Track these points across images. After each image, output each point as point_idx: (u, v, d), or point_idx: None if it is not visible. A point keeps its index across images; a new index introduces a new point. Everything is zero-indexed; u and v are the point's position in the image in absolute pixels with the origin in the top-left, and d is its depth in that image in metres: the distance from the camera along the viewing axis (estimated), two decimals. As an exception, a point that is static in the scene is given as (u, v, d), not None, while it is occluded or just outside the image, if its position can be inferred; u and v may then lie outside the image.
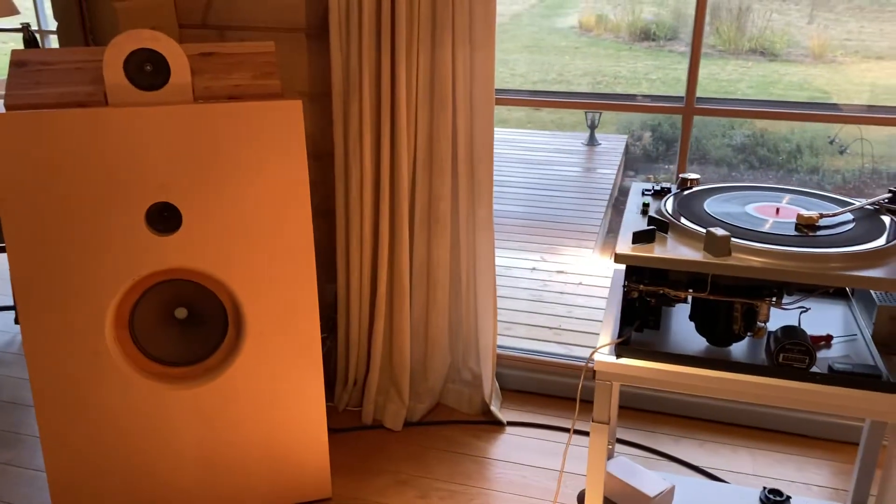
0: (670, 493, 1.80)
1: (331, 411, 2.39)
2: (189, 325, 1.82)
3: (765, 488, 1.84)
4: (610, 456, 1.91)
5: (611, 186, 5.31)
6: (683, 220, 1.42)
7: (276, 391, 1.87)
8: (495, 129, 2.12)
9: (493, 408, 2.34)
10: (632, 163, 6.17)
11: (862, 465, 1.80)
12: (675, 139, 6.41)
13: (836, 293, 1.66)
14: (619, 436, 2.28)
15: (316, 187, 2.28)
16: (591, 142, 6.18)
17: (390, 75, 2.01)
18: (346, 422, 2.35)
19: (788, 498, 1.82)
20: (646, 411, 2.40)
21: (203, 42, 2.11)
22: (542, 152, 6.18)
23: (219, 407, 1.85)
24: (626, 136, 6.47)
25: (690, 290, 1.38)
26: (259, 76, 1.75)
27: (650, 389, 2.38)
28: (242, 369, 1.84)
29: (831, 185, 5.56)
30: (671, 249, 1.35)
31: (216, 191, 1.71)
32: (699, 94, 2.13)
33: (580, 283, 3.68)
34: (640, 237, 1.37)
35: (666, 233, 1.41)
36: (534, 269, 3.86)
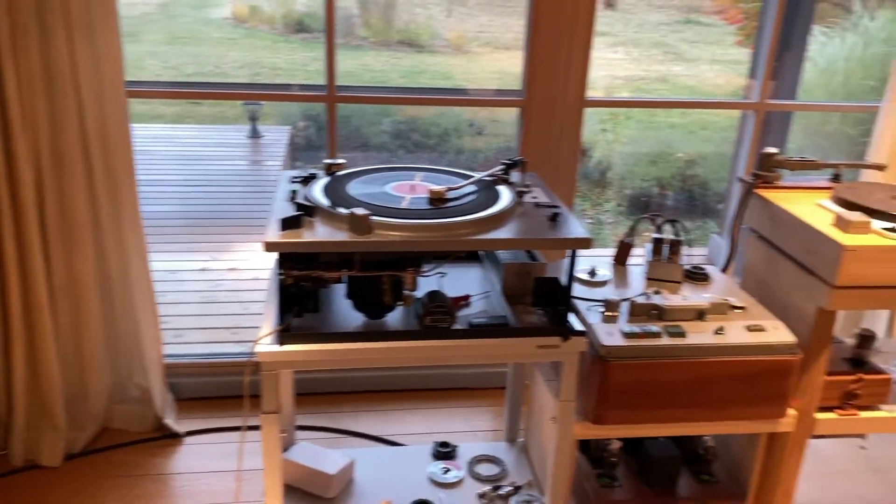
0: (350, 467, 1.87)
1: (-32, 462, 2.05)
2: None
3: (435, 442, 2.01)
4: (290, 444, 1.92)
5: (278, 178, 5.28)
6: (328, 204, 1.47)
7: None
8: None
9: (168, 421, 2.21)
10: (298, 153, 6.23)
11: (510, 405, 2.05)
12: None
13: (470, 257, 1.86)
14: (300, 422, 2.30)
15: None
16: (254, 134, 6.09)
17: (-6, 67, 1.75)
18: (-11, 470, 2.03)
19: (456, 447, 2.01)
20: (327, 394, 2.46)
21: None
22: (202, 147, 5.93)
23: None
24: (288, 127, 6.49)
25: (342, 270, 1.43)
26: None
27: (328, 372, 2.43)
28: None
29: (477, 164, 6.21)
30: (319, 233, 1.39)
31: None
32: (353, 82, 2.22)
33: (255, 279, 3.63)
34: (287, 223, 1.38)
35: (313, 217, 1.44)
36: (203, 269, 3.71)
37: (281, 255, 1.39)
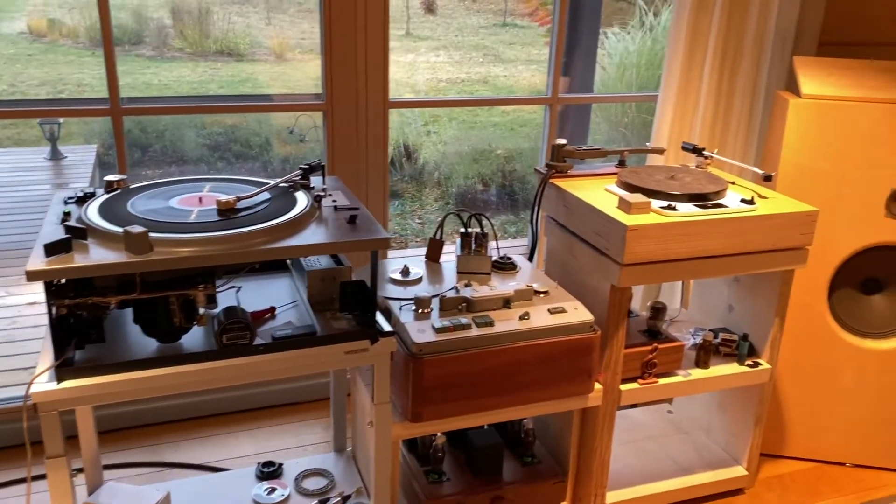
0: (166, 500, 1.75)
1: None
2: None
3: (259, 463, 1.93)
4: (97, 486, 1.77)
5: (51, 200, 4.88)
6: (102, 223, 1.36)
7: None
8: None
9: (-46, 479, 1.97)
10: (107, 172, 5.81)
11: (336, 415, 2.02)
12: (148, 144, 6.24)
13: (279, 267, 1.80)
14: (114, 461, 2.13)
15: None
16: (55, 156, 5.61)
17: None
18: None
19: (280, 465, 1.94)
20: (144, 426, 2.29)
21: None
22: (-3, 173, 5.41)
23: None
24: (94, 146, 6.05)
25: (121, 295, 1.33)
26: None
27: (142, 403, 2.27)
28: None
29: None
30: (92, 255, 1.28)
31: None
32: (170, 93, 2.08)
33: (62, 311, 3.32)
34: (53, 248, 1.27)
35: (85, 239, 1.33)
36: (-2, 306, 3.36)
37: (48, 285, 1.26)
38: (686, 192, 1.78)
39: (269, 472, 1.90)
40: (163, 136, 6.47)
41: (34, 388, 1.27)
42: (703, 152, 2.00)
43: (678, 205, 1.75)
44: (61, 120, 5.72)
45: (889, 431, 2.15)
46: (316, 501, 1.80)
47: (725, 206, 1.76)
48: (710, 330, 1.99)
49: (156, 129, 6.53)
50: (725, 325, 2.08)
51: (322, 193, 1.59)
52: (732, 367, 1.93)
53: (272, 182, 1.60)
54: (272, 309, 1.58)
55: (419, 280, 1.82)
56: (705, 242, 1.72)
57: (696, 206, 1.76)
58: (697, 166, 2.00)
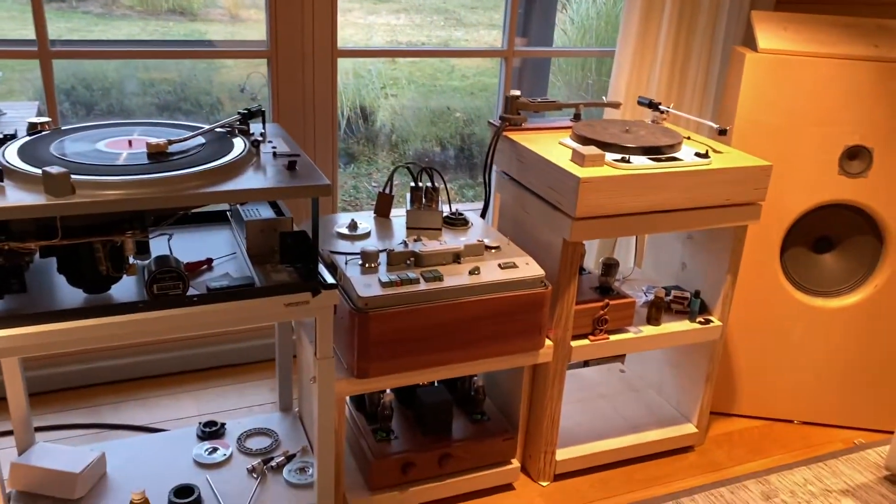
0: (100, 462, 1.68)
1: None
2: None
3: (200, 423, 1.86)
4: (27, 446, 1.69)
5: None
6: (20, 164, 1.27)
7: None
8: None
9: None
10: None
11: (281, 373, 1.96)
12: (94, 102, 6.01)
13: (219, 218, 1.72)
14: (52, 422, 2.04)
15: None
16: (-7, 112, 5.37)
17: None
18: None
19: (223, 425, 1.88)
20: (84, 387, 2.21)
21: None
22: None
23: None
24: (36, 103, 5.80)
25: (40, 240, 1.24)
26: None
27: (82, 363, 2.18)
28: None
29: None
30: (8, 197, 1.19)
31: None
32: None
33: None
34: (-37, 189, 1.17)
35: (1, 181, 1.23)
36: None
37: (-41, 228, 1.17)
38: (640, 146, 1.74)
39: (211, 431, 1.84)
40: (108, 93, 6.23)
41: (-55, 340, 1.19)
42: (660, 107, 1.96)
43: (632, 157, 1.71)
44: (0, 73, 5.45)
45: (836, 389, 2.18)
46: (259, 461, 1.75)
47: (680, 160, 1.73)
48: (662, 287, 1.97)
49: (101, 87, 6.27)
50: (678, 283, 2.06)
51: (260, 139, 1.51)
52: (684, 325, 1.92)
53: (207, 126, 1.51)
54: (209, 260, 1.51)
55: (367, 235, 1.76)
56: (659, 196, 1.69)
57: (650, 159, 1.72)
58: (653, 121, 1.96)
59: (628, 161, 1.69)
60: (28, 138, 1.43)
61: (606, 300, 1.82)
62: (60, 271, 1.33)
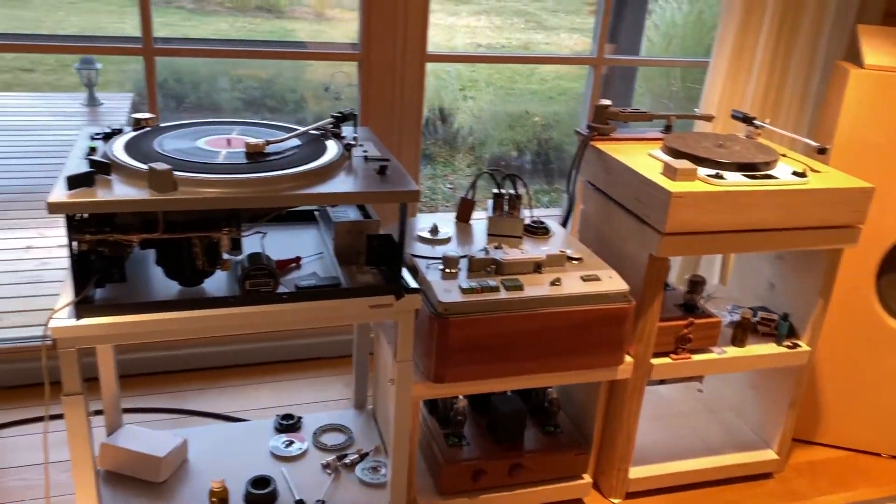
0: (183, 447, 1.74)
1: None
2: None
3: (277, 416, 1.91)
4: (116, 428, 1.77)
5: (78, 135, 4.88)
6: (127, 159, 1.32)
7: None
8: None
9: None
10: (142, 121, 5.82)
11: (357, 371, 1.98)
12: (184, 95, 6.21)
13: (307, 217, 1.75)
14: (139, 405, 2.13)
15: None
16: (92, 102, 5.62)
17: None
18: None
19: (300, 418, 1.91)
20: (169, 372, 2.29)
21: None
22: (35, 117, 5.41)
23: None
24: (131, 94, 6.05)
25: (143, 233, 1.29)
26: None
27: (169, 349, 2.27)
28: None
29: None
30: (115, 191, 1.24)
31: None
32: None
33: (91, 255, 3.33)
34: (76, 181, 1.23)
35: (109, 175, 1.29)
36: (29, 247, 3.37)
37: (69, 218, 1.23)
38: (735, 161, 1.69)
39: (288, 424, 1.88)
40: (198, 87, 6.44)
41: (53, 323, 1.25)
42: (754, 121, 1.90)
43: (726, 174, 1.66)
44: (98, 65, 5.72)
45: (930, 424, 2.06)
46: (334, 457, 1.78)
47: (776, 178, 1.67)
48: (748, 308, 1.91)
49: (192, 81, 6.50)
50: (764, 304, 2.00)
51: (353, 143, 1.53)
52: (770, 347, 1.85)
53: (303, 128, 1.55)
54: (298, 258, 1.54)
55: (448, 240, 1.77)
56: (752, 215, 1.64)
57: (744, 176, 1.67)
58: (747, 136, 1.90)
59: (722, 177, 1.64)
60: (133, 133, 1.49)
61: (691, 318, 1.77)
62: (158, 264, 1.38)
